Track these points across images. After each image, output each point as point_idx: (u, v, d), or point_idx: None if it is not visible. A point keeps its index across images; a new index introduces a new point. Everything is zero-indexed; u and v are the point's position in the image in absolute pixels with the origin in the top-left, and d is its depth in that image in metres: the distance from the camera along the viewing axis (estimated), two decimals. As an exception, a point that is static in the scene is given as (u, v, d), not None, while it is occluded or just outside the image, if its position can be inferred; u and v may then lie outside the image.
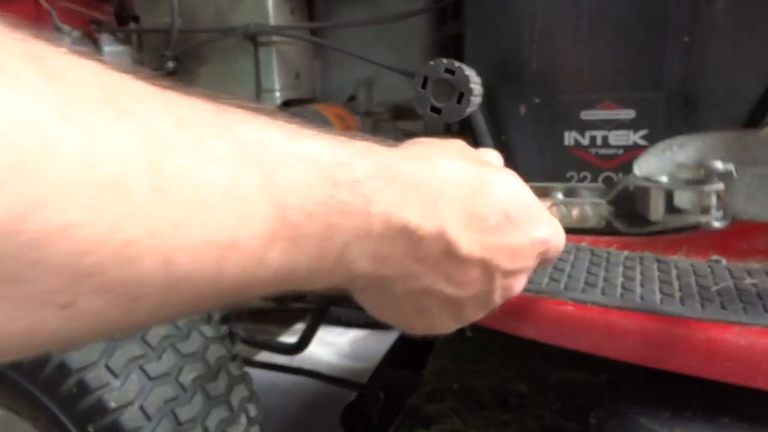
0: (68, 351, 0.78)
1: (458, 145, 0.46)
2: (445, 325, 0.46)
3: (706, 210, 0.51)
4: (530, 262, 0.46)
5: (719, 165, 0.49)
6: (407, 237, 0.37)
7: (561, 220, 0.54)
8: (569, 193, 0.56)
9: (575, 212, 0.56)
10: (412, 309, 0.43)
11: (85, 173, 0.23)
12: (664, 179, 0.52)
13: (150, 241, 0.26)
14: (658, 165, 0.52)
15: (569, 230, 0.52)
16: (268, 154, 0.31)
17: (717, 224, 0.52)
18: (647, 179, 0.53)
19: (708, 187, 0.50)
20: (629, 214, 0.55)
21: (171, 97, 0.29)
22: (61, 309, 0.24)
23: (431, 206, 0.38)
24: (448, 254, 0.40)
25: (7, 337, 0.24)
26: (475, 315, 0.46)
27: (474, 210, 0.40)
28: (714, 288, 0.65)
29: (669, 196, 0.51)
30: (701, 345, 0.56)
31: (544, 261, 0.49)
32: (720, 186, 0.49)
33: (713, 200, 0.50)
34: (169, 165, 0.26)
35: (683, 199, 0.51)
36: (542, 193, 0.57)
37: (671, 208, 0.51)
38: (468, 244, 0.40)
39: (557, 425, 0.98)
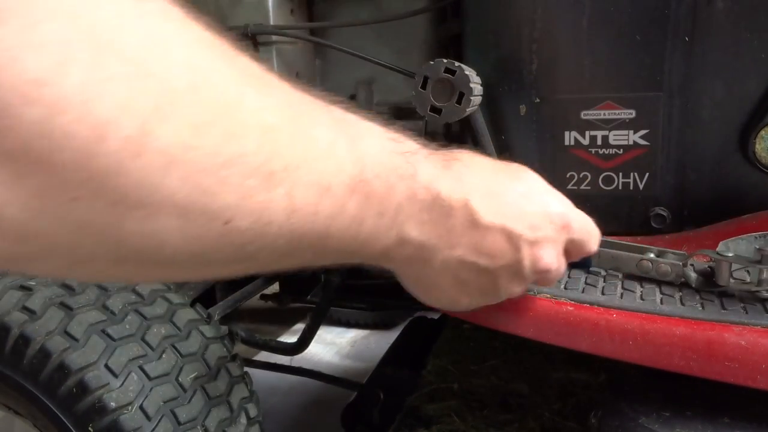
0: (69, 351, 0.78)
1: None
2: (485, 297, 0.52)
3: (761, 283, 0.61)
4: (552, 233, 0.51)
5: None
6: (440, 205, 0.45)
7: (647, 272, 0.67)
8: (660, 254, 0.69)
9: (660, 268, 0.67)
10: (450, 282, 0.49)
11: (260, 123, 0.34)
12: (731, 254, 0.63)
13: (284, 173, 0.34)
14: (740, 245, 0.65)
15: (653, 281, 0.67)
16: (352, 127, 0.42)
17: (766, 294, 0.62)
18: (718, 253, 0.64)
19: (762, 267, 0.61)
20: (704, 275, 0.66)
21: (290, 87, 0.39)
22: (224, 224, 0.32)
23: (458, 181, 0.46)
24: (473, 223, 0.47)
25: (181, 247, 0.32)
26: (510, 287, 0.52)
27: (491, 187, 0.48)
28: (714, 288, 0.65)
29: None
30: (701, 345, 0.56)
31: (574, 244, 0.54)
32: None
33: (765, 275, 0.61)
34: (299, 123, 0.37)
35: (744, 272, 0.63)
36: (638, 251, 0.70)
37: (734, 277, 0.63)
38: (488, 213, 0.47)
39: (557, 425, 0.98)
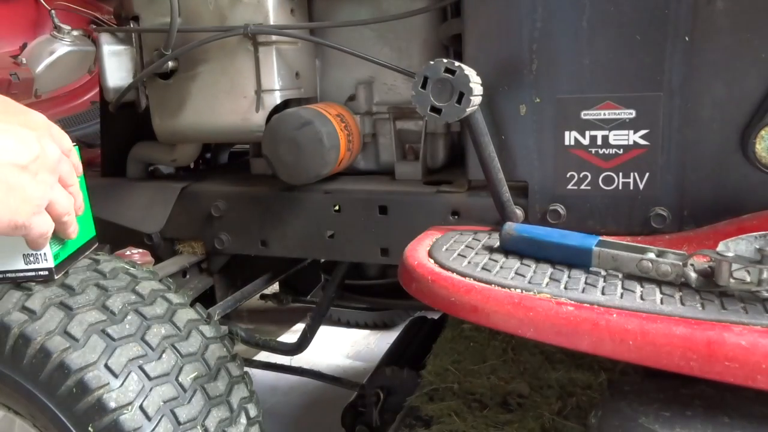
0: (69, 351, 0.78)
1: None
2: None
3: (761, 283, 0.62)
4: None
5: None
6: None
7: (647, 273, 0.68)
8: (660, 254, 0.69)
9: (660, 267, 0.67)
10: None
11: None
12: (731, 255, 0.63)
13: None
14: (740, 245, 0.65)
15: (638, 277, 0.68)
16: None
17: (766, 294, 0.62)
18: (718, 253, 0.64)
19: (762, 267, 0.61)
20: (704, 275, 0.66)
21: None
22: None
23: None
24: None
25: None
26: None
27: None
28: (714, 288, 0.65)
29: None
30: (701, 345, 0.56)
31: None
32: None
33: (765, 275, 0.61)
34: None
35: (744, 272, 0.63)
36: (638, 251, 0.70)
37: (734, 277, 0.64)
38: None
39: (557, 425, 0.98)
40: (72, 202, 0.75)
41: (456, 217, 1.00)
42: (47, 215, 0.70)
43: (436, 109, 0.79)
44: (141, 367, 0.82)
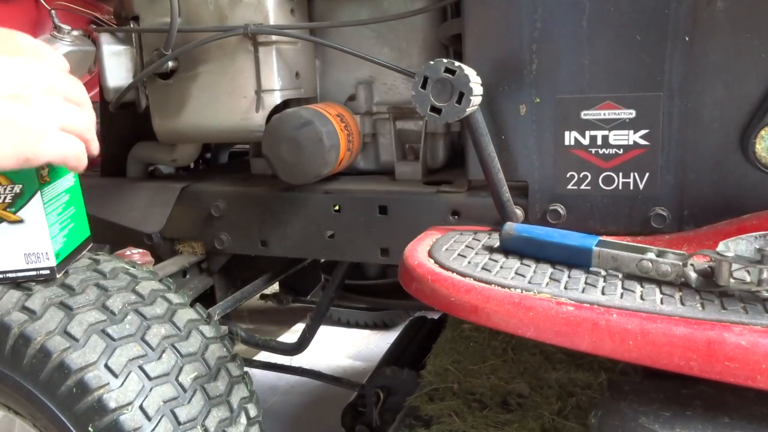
0: (69, 351, 0.78)
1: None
2: None
3: (761, 283, 0.62)
4: None
5: None
6: None
7: (647, 273, 0.68)
8: (660, 254, 0.69)
9: (660, 267, 0.67)
10: None
11: None
12: (731, 254, 0.63)
13: None
14: (740, 245, 0.64)
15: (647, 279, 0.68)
16: None
17: (766, 294, 0.62)
18: (718, 253, 0.64)
19: (762, 267, 0.61)
20: (704, 275, 0.66)
21: None
22: None
23: None
24: None
25: None
26: None
27: None
28: (714, 288, 0.65)
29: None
30: (701, 345, 0.56)
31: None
32: None
33: (765, 275, 0.61)
34: None
35: (744, 272, 0.63)
36: (638, 251, 0.70)
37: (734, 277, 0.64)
38: None
39: (557, 425, 0.98)
40: (89, 117, 0.69)
41: (456, 217, 1.00)
42: (63, 136, 0.65)
43: (436, 109, 0.79)
44: (141, 367, 0.82)
